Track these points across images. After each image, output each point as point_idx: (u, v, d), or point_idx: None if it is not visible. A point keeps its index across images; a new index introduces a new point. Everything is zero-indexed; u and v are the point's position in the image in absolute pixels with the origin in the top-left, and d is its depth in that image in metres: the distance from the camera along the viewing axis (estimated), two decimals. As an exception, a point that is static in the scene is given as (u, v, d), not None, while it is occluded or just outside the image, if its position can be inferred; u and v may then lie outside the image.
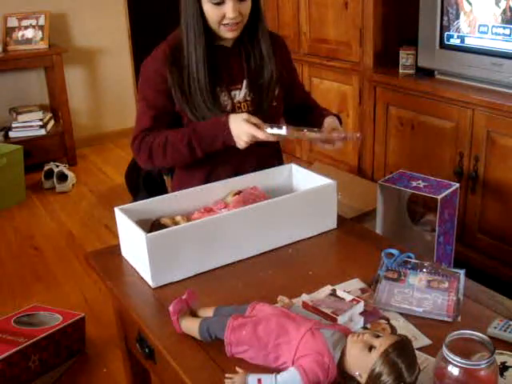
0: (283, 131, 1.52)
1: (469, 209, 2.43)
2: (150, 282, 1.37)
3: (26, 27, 4.01)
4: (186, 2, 1.58)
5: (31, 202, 3.62)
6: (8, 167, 3.47)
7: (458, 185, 2.14)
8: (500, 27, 2.27)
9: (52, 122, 4.18)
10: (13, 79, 4.16)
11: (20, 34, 4.01)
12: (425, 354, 1.09)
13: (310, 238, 1.58)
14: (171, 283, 1.39)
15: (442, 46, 2.52)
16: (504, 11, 2.24)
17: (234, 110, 1.67)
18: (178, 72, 1.62)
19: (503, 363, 1.06)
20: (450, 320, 1.20)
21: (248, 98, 1.70)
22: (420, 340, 1.14)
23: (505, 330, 1.13)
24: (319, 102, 1.92)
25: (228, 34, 1.60)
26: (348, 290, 1.30)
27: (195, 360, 1.13)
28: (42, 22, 4.02)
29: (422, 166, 2.56)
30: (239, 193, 1.59)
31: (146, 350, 1.34)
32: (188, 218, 1.52)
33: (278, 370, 1.04)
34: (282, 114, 1.83)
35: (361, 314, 1.21)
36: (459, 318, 1.20)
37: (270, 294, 1.28)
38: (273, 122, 1.77)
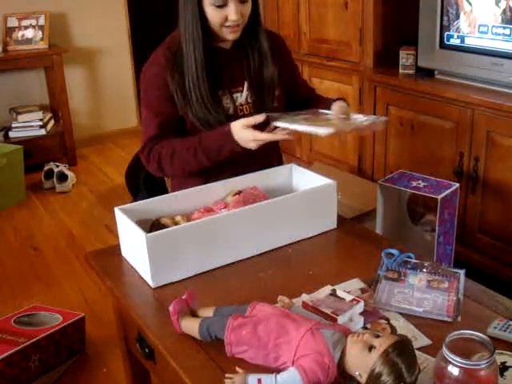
0: (297, 126, 1.46)
1: (469, 209, 2.43)
2: (150, 282, 1.37)
3: (26, 27, 4.01)
4: (185, 4, 1.57)
5: (31, 201, 3.62)
6: (8, 167, 3.47)
7: (457, 185, 2.14)
8: (500, 27, 2.27)
9: (52, 122, 4.18)
10: (13, 79, 4.16)
11: (20, 34, 4.01)
12: (425, 354, 1.09)
13: (310, 238, 1.58)
14: (171, 283, 1.39)
15: (442, 46, 2.52)
16: (504, 11, 2.24)
17: (236, 113, 1.67)
18: (178, 76, 1.61)
19: (503, 363, 1.06)
20: (449, 320, 1.20)
21: (250, 100, 1.69)
22: (420, 340, 1.14)
23: (505, 330, 1.13)
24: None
25: (230, 35, 1.60)
26: (348, 290, 1.30)
27: (195, 360, 1.13)
28: (42, 21, 4.02)
29: (422, 166, 2.56)
30: (239, 193, 1.59)
31: (146, 350, 1.34)
32: (188, 218, 1.52)
33: (278, 370, 1.04)
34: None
35: (361, 314, 1.21)
36: (459, 318, 1.20)
37: (269, 293, 1.28)
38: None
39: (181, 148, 1.62)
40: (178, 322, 1.19)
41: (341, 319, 1.17)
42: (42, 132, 4.02)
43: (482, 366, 0.92)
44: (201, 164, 1.63)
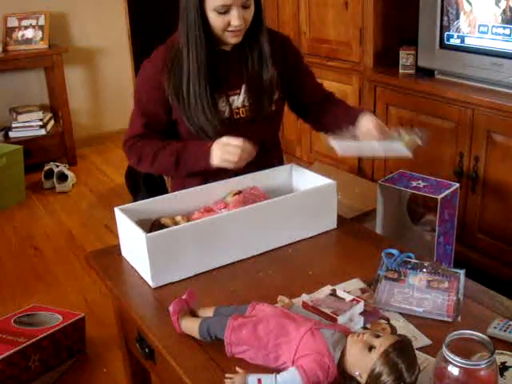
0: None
1: (469, 209, 2.43)
2: (150, 282, 1.37)
3: (26, 27, 4.01)
4: (186, 8, 1.56)
5: (31, 201, 3.62)
6: (8, 167, 3.47)
7: (457, 185, 2.14)
8: (500, 27, 2.27)
9: (52, 122, 4.18)
10: (13, 79, 4.16)
11: (20, 34, 4.01)
12: (425, 354, 1.09)
13: (310, 237, 1.58)
14: (171, 283, 1.39)
15: (442, 45, 2.52)
16: (504, 11, 2.24)
17: (231, 116, 1.67)
18: (175, 78, 1.61)
19: (503, 363, 1.07)
20: (449, 320, 1.20)
21: (246, 104, 1.68)
22: (420, 340, 1.14)
23: (505, 330, 1.13)
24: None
25: (232, 39, 1.59)
26: (348, 290, 1.30)
27: (195, 360, 1.13)
28: (41, 21, 4.02)
29: (422, 166, 2.56)
30: (239, 193, 1.59)
31: (146, 350, 1.35)
32: (188, 218, 1.52)
33: (277, 370, 1.04)
34: (282, 118, 1.82)
35: (361, 314, 1.21)
36: (459, 318, 1.20)
37: (269, 293, 1.28)
38: (271, 125, 1.77)
39: (163, 153, 1.65)
40: (177, 322, 1.19)
41: (341, 319, 1.17)
42: (42, 132, 4.02)
43: (482, 366, 0.92)
44: (179, 172, 1.67)
